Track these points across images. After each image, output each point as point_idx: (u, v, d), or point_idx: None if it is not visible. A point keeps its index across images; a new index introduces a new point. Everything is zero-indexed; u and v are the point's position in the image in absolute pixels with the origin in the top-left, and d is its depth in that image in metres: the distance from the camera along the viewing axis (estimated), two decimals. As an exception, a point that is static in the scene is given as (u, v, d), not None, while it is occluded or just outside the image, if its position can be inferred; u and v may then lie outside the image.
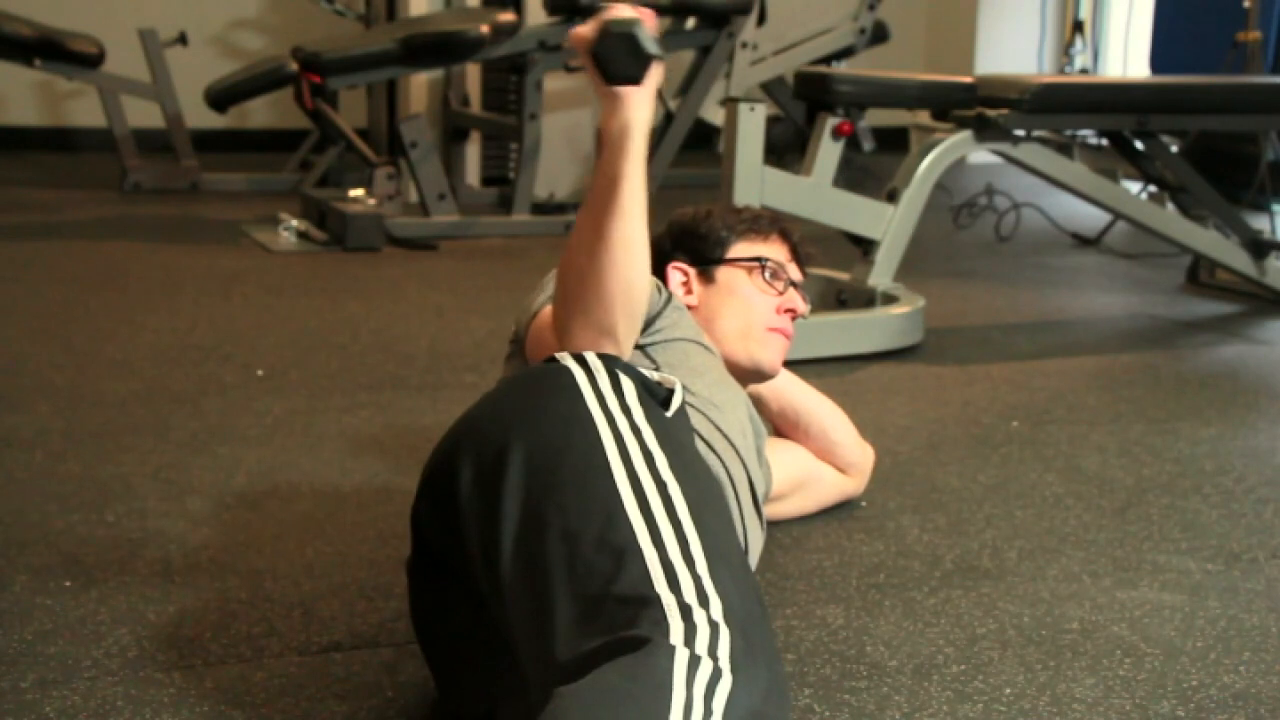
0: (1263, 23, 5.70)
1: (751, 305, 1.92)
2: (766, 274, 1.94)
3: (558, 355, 1.36)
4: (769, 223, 2.01)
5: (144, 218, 4.98)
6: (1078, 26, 7.21)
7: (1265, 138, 4.22)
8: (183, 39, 5.84)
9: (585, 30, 1.46)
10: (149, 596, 1.78)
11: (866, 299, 3.31)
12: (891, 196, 3.36)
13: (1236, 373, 3.19)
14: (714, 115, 5.48)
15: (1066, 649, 1.70)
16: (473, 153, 5.57)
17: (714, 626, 1.13)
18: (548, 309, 1.61)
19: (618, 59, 1.46)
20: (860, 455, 2.19)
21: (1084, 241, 4.88)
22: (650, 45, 1.46)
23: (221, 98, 5.43)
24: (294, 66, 4.82)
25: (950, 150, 3.40)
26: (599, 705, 1.06)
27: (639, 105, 1.46)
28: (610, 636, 1.12)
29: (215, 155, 6.16)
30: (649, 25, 1.47)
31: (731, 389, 1.77)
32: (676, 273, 1.94)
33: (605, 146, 1.47)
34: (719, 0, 4.95)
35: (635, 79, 1.47)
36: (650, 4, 5.66)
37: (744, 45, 5.36)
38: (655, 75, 1.47)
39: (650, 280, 1.71)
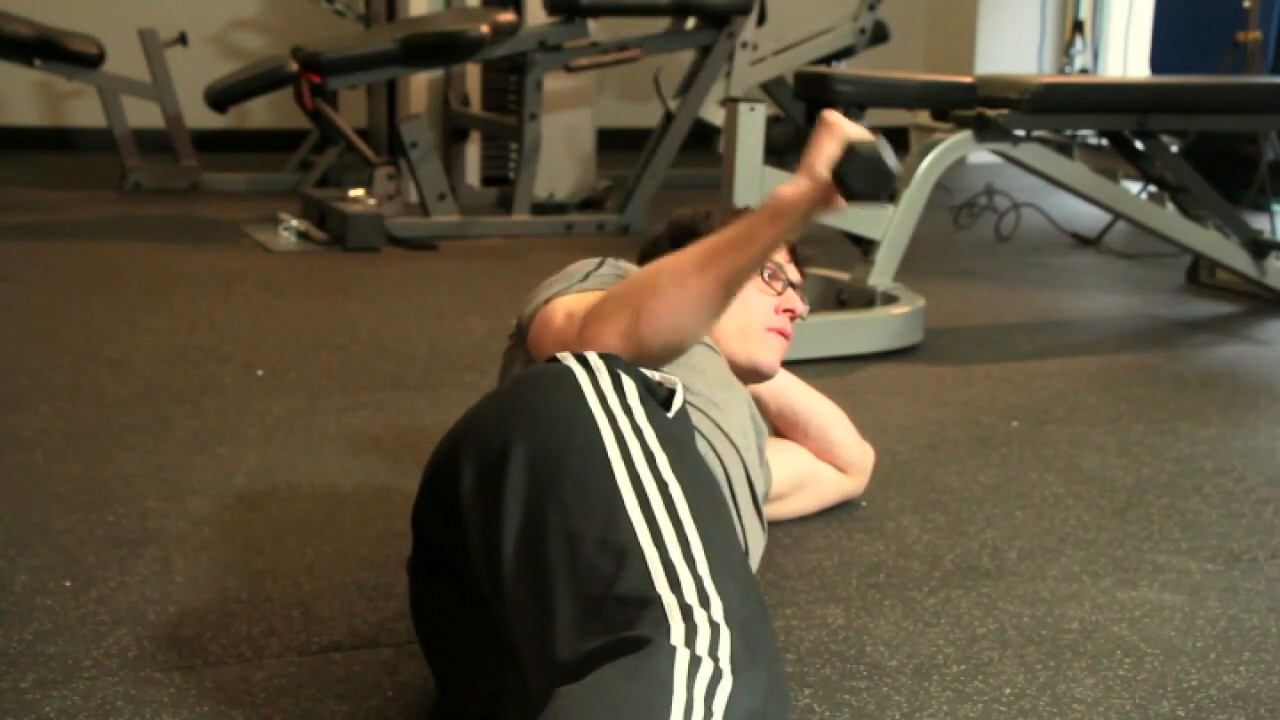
0: (1263, 23, 5.70)
1: (750, 305, 1.92)
2: (765, 274, 1.94)
3: (559, 355, 1.35)
4: (768, 223, 2.00)
5: (144, 218, 4.98)
6: (1078, 26, 7.21)
7: (1265, 138, 4.22)
8: (183, 39, 5.85)
9: (827, 149, 1.46)
10: (149, 596, 1.79)
11: (866, 299, 3.31)
12: (891, 196, 3.36)
13: (1236, 373, 3.19)
14: (714, 115, 5.47)
15: (1066, 649, 1.70)
16: (473, 153, 5.57)
17: (715, 627, 1.13)
18: (567, 297, 1.60)
19: (864, 179, 1.46)
20: (860, 455, 2.19)
21: (1084, 241, 4.88)
22: (893, 164, 1.47)
23: (221, 98, 5.43)
24: (294, 66, 4.83)
25: (950, 150, 3.40)
26: (599, 706, 1.06)
27: (824, 212, 1.50)
28: (611, 637, 1.12)
29: (215, 155, 6.16)
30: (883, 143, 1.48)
31: (733, 388, 1.77)
32: (676, 273, 1.94)
33: (772, 215, 1.47)
34: (719, 0, 4.95)
35: (878, 198, 1.48)
36: (649, 4, 5.60)
37: (744, 45, 5.35)
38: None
39: None
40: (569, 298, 1.60)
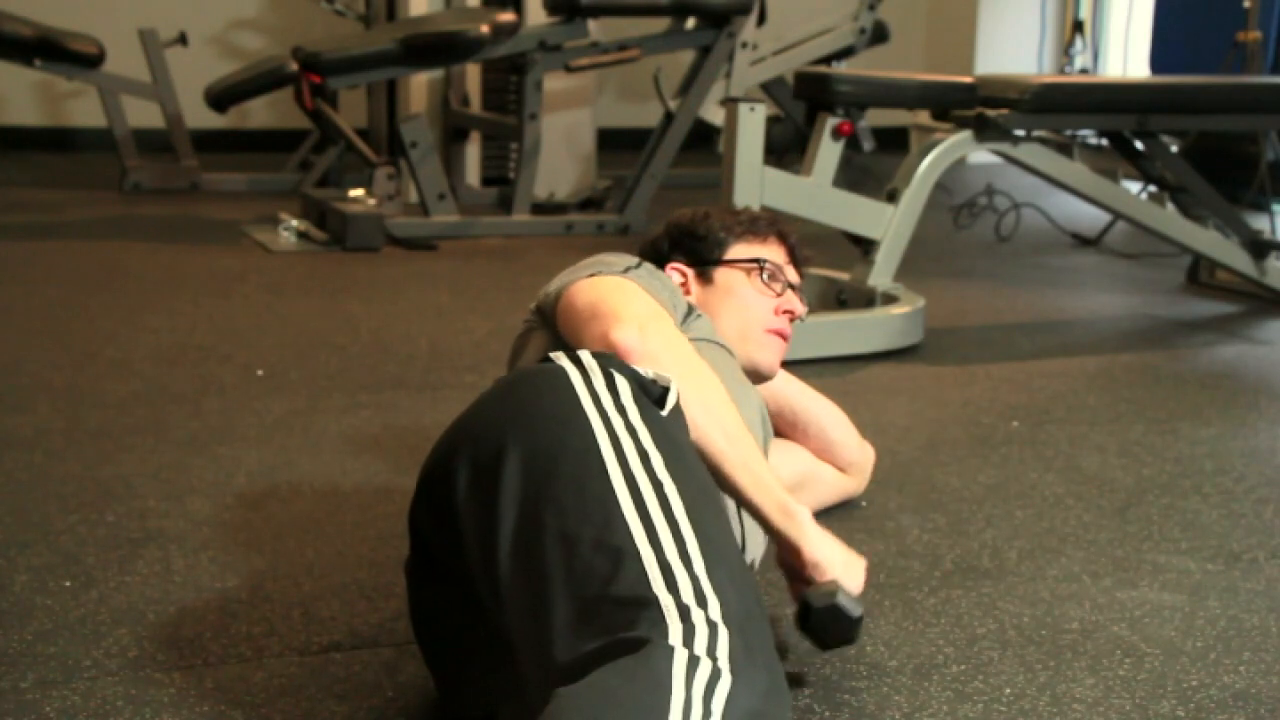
0: (1263, 23, 5.70)
1: (750, 306, 1.92)
2: (764, 275, 1.94)
3: (552, 355, 1.36)
4: (767, 224, 2.01)
5: (144, 218, 4.98)
6: (1078, 26, 7.21)
7: (1265, 138, 4.22)
8: (183, 39, 5.85)
9: (824, 563, 1.50)
10: (149, 596, 1.79)
11: (866, 299, 3.31)
12: (891, 196, 3.36)
13: (1236, 373, 3.19)
14: (714, 115, 5.48)
15: (1066, 649, 1.70)
16: (473, 153, 5.57)
17: (712, 627, 1.13)
18: (620, 277, 1.60)
19: (829, 631, 1.49)
20: (860, 454, 2.19)
21: (1084, 241, 4.88)
22: (855, 609, 1.49)
23: (221, 98, 5.44)
24: (294, 66, 4.83)
25: (950, 150, 3.40)
26: (598, 706, 1.06)
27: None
28: (609, 638, 1.13)
29: (215, 155, 6.16)
30: (847, 585, 1.50)
31: (745, 388, 1.76)
32: (675, 274, 1.94)
33: (781, 511, 1.50)
34: (719, 0, 4.95)
35: (849, 641, 1.52)
36: (649, 4, 5.59)
37: (744, 45, 5.35)
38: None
39: (670, 287, 1.71)
40: (622, 278, 1.60)
